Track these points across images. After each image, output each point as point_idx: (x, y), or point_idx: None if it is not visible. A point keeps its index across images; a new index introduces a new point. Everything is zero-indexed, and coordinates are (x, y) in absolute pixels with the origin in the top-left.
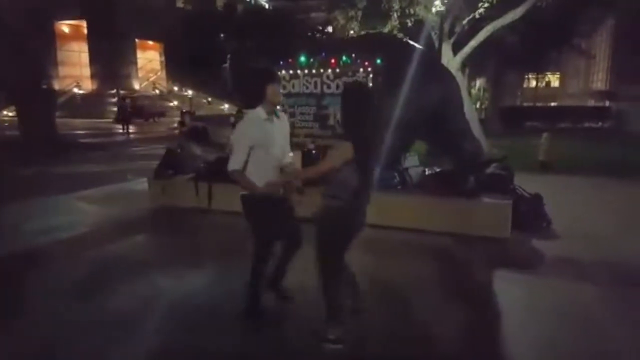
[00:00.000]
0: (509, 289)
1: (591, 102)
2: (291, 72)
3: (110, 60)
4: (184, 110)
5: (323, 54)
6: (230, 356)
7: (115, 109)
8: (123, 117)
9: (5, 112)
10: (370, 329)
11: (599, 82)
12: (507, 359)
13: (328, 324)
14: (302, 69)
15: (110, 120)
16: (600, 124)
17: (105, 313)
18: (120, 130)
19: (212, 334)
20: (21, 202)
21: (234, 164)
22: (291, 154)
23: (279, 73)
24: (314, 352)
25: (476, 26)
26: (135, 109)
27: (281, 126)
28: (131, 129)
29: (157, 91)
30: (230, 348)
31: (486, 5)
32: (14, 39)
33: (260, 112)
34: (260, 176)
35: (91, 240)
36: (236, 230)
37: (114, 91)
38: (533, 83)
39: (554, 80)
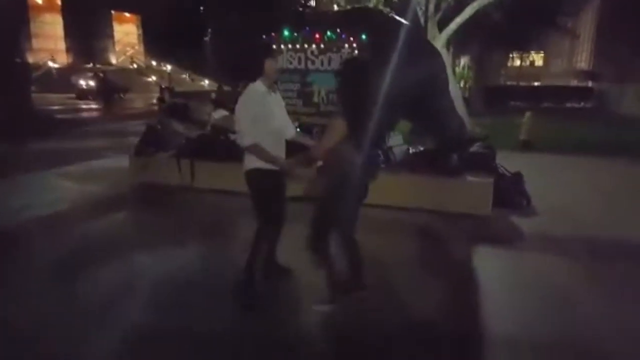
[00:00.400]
0: (488, 263)
1: (574, 82)
2: (274, 47)
3: (86, 33)
4: (163, 87)
5: (307, 28)
6: (221, 335)
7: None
8: (79, 96)
9: None
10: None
11: (583, 62)
12: (486, 328)
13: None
14: (285, 44)
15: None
16: (582, 104)
17: (87, 291)
18: (95, 107)
19: (199, 312)
20: (1, 179)
21: (248, 139)
22: (298, 129)
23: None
24: (307, 331)
25: (462, 3)
26: (101, 86)
27: (278, 101)
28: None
29: (135, 65)
30: (220, 327)
31: None
32: None
33: (260, 85)
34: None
35: (71, 217)
36: (219, 208)
37: (91, 65)
38: (517, 62)
39: (538, 59)
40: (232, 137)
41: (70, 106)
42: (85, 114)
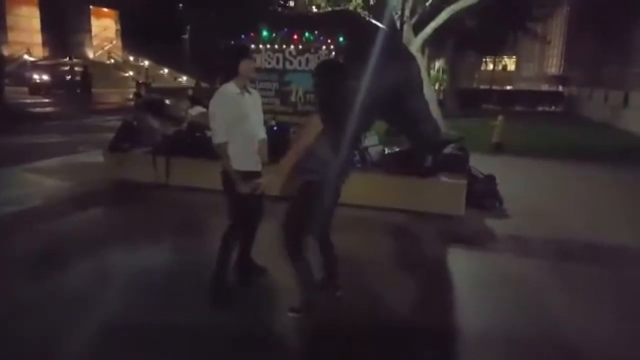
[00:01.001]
0: (461, 264)
1: (545, 87)
2: (253, 46)
3: (63, 27)
4: (140, 82)
5: (286, 29)
6: (194, 332)
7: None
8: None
9: None
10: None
11: (553, 67)
12: (457, 328)
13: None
14: (264, 44)
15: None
16: (553, 107)
17: (59, 287)
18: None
19: (171, 310)
20: None
21: (218, 137)
22: (275, 127)
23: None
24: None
25: (438, 6)
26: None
27: (254, 101)
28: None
29: (112, 60)
30: (192, 324)
31: None
32: None
33: (231, 87)
34: (237, 152)
35: (43, 214)
36: (194, 205)
37: (67, 59)
38: (490, 66)
39: (511, 64)
40: (209, 133)
41: (43, 100)
42: (59, 109)
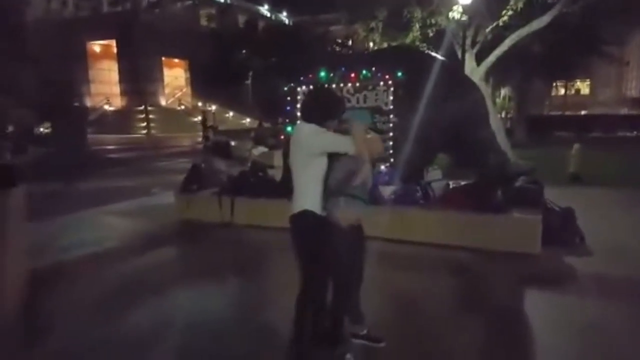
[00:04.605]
0: (539, 308)
1: (624, 110)
2: (311, 87)
3: (138, 78)
4: (208, 125)
5: (343, 68)
6: None
7: None
8: None
9: (41, 129)
10: (394, 348)
11: (633, 89)
12: None
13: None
14: (322, 84)
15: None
16: (635, 132)
17: (127, 328)
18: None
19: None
20: (54, 216)
21: (350, 144)
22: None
23: (299, 89)
24: None
25: (500, 34)
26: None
27: None
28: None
29: (183, 107)
30: None
31: (510, 13)
32: (50, 60)
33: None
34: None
35: (117, 255)
36: (257, 243)
37: (142, 107)
38: (562, 91)
39: (584, 87)
40: (271, 173)
41: (121, 146)
42: (135, 153)
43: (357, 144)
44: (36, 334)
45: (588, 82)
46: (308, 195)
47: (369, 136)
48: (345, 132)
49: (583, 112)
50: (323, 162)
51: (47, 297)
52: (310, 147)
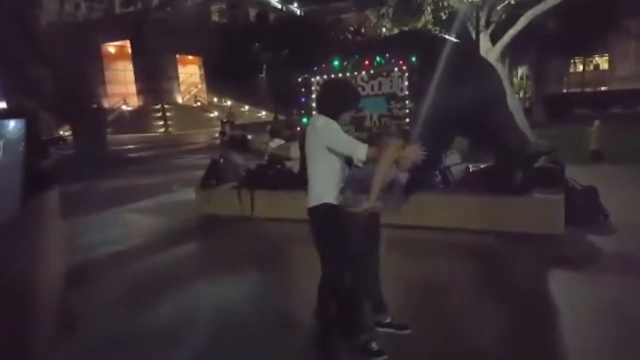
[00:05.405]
0: (566, 289)
1: None
2: (325, 77)
3: (154, 77)
4: (224, 120)
5: (356, 56)
6: None
7: None
8: None
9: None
10: (419, 335)
11: None
12: None
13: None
14: (335, 73)
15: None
16: None
17: (151, 321)
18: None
19: (260, 343)
20: (79, 216)
21: (362, 152)
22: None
23: (313, 79)
24: None
25: (514, 12)
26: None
27: None
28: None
29: (199, 103)
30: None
31: None
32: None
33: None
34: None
35: (141, 251)
36: (277, 236)
37: (158, 106)
38: (580, 67)
39: (603, 63)
40: (288, 165)
41: (140, 145)
42: (154, 152)
43: (382, 162)
44: (75, 327)
45: (607, 57)
46: (322, 186)
47: (404, 149)
48: (360, 119)
49: (602, 89)
50: (337, 154)
51: (81, 293)
52: (323, 139)
